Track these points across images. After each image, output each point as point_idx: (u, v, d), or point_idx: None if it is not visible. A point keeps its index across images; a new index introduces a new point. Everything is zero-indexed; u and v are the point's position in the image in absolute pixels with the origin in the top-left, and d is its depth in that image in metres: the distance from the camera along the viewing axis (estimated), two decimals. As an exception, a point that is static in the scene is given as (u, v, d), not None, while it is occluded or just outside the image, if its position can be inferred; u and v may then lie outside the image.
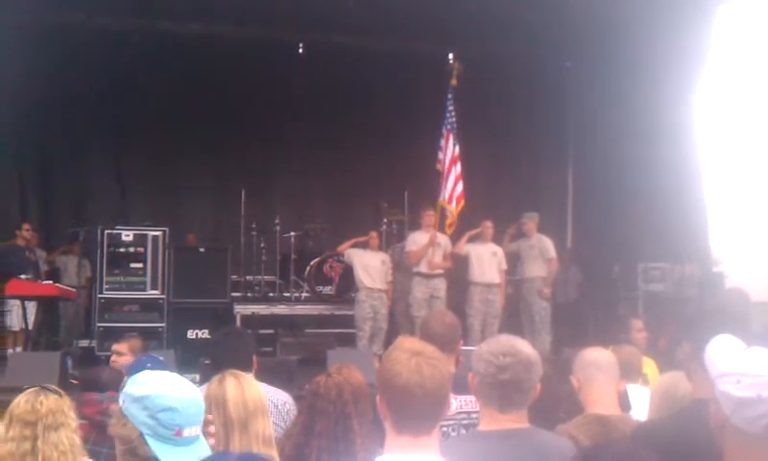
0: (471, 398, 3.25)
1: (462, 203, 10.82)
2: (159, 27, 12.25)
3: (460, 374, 3.19)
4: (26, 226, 11.40)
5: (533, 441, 2.70)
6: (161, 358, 4.30)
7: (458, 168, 10.85)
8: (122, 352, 5.48)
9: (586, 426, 3.07)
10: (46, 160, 13.67)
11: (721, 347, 2.04)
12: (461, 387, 2.95)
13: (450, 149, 10.89)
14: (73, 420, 2.83)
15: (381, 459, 2.19)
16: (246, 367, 3.84)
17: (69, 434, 2.77)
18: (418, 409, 2.14)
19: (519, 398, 2.70)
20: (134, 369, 3.98)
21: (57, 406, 2.77)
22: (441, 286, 10.60)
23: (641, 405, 3.80)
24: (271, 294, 12.48)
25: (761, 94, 13.29)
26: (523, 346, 2.77)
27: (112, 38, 12.05)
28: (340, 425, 3.13)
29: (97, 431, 3.35)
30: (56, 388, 2.89)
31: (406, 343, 2.27)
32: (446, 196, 10.79)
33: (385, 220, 12.47)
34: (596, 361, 3.31)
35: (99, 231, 11.01)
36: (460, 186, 10.83)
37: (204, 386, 3.15)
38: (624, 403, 3.73)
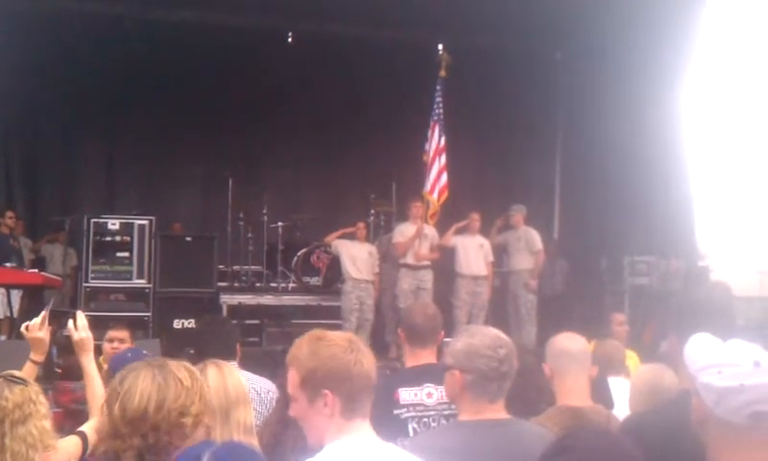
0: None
1: (445, 194, 10.85)
2: (148, 15, 12.20)
3: (442, 365, 3.20)
4: (9, 213, 11.32)
5: (514, 430, 2.74)
6: (145, 352, 4.26)
7: (442, 159, 10.87)
8: (125, 340, 5.34)
9: (558, 418, 3.05)
10: (32, 148, 13.60)
11: (699, 343, 2.05)
12: (443, 378, 2.96)
13: (436, 140, 10.91)
14: (42, 405, 2.81)
15: (337, 444, 2.21)
16: (229, 355, 3.83)
17: (37, 423, 2.75)
18: (370, 392, 2.28)
19: (507, 386, 2.76)
20: (116, 362, 3.95)
21: (22, 398, 2.74)
22: (427, 278, 10.61)
23: (624, 398, 3.80)
24: (257, 284, 12.43)
25: (749, 89, 13.35)
26: (503, 334, 2.82)
27: (101, 26, 11.98)
28: None
29: (72, 419, 3.33)
30: (20, 377, 2.86)
31: (329, 335, 2.34)
32: (429, 187, 10.82)
33: (373, 211, 12.47)
34: (568, 351, 3.23)
35: (85, 220, 10.99)
36: (444, 178, 10.85)
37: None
38: (607, 398, 3.73)
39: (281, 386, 3.58)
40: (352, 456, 2.19)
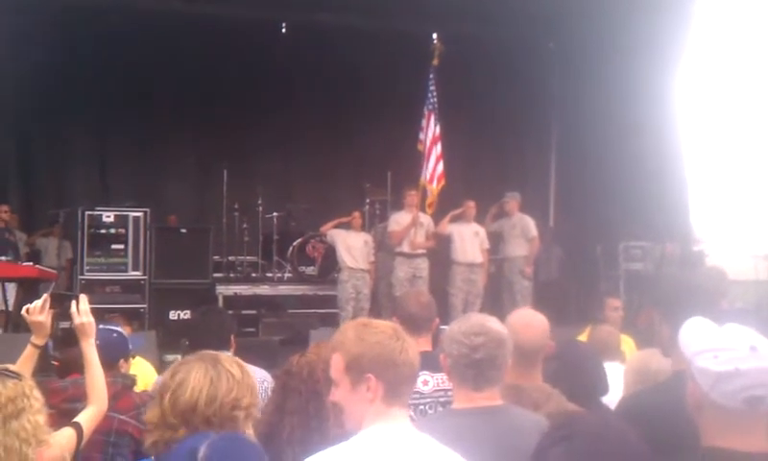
0: (448, 375, 3.26)
1: (442, 182, 10.86)
2: (141, 6, 12.14)
3: (437, 352, 3.20)
4: (4, 207, 11.27)
5: (508, 417, 2.73)
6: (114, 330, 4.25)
7: (438, 148, 10.88)
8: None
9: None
10: (26, 142, 13.55)
11: (694, 327, 2.06)
12: (438, 365, 2.97)
13: (431, 129, 10.91)
14: (36, 400, 2.80)
15: (373, 429, 2.24)
16: (224, 346, 3.83)
17: (31, 417, 2.74)
18: (412, 382, 2.35)
19: (493, 375, 2.74)
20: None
21: (15, 392, 2.74)
22: (423, 266, 10.62)
23: (619, 383, 3.81)
24: (253, 274, 12.45)
25: (742, 75, 13.33)
26: (493, 323, 2.81)
27: (94, 18, 11.92)
28: (312, 403, 3.15)
29: (65, 419, 3.33)
30: (14, 371, 2.86)
31: (374, 322, 2.39)
32: (428, 176, 10.82)
33: (368, 200, 12.46)
34: (520, 344, 3.08)
35: (79, 213, 10.94)
36: (441, 166, 10.86)
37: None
38: (603, 382, 3.73)
39: (278, 377, 3.59)
40: (387, 442, 2.21)
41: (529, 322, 3.24)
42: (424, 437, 2.31)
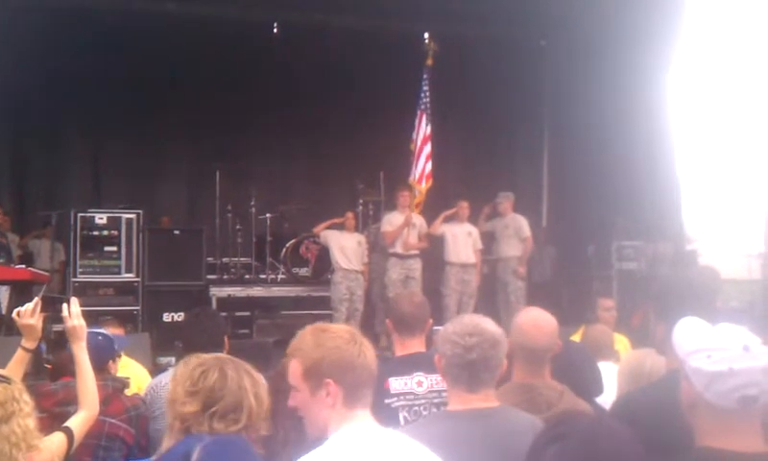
0: (442, 376, 3.25)
1: (430, 181, 10.88)
2: (134, 7, 12.10)
3: (431, 353, 3.20)
4: (-4, 209, 11.27)
5: (503, 419, 2.72)
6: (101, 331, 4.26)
7: (428, 147, 10.89)
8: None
9: (510, 394, 2.99)
10: (18, 144, 13.51)
11: (687, 327, 2.06)
12: (432, 366, 2.97)
13: (423, 129, 10.93)
14: (25, 404, 2.78)
15: (340, 433, 2.24)
16: (217, 348, 3.81)
17: (21, 421, 2.73)
18: (371, 383, 2.34)
19: (487, 376, 2.73)
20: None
21: (5, 396, 2.72)
22: (416, 267, 10.60)
23: (613, 383, 3.80)
24: (247, 276, 12.44)
25: (734, 73, 13.37)
26: (487, 324, 2.80)
27: (86, 19, 11.87)
28: None
29: (57, 422, 3.31)
30: (3, 375, 2.84)
31: (332, 327, 2.41)
32: (416, 176, 10.85)
33: (361, 201, 12.44)
34: (529, 345, 3.15)
35: (72, 215, 10.92)
36: (429, 165, 10.88)
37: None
38: (597, 383, 3.73)
39: (271, 378, 3.58)
40: (356, 444, 2.21)
41: (538, 322, 3.25)
42: (393, 433, 2.35)
